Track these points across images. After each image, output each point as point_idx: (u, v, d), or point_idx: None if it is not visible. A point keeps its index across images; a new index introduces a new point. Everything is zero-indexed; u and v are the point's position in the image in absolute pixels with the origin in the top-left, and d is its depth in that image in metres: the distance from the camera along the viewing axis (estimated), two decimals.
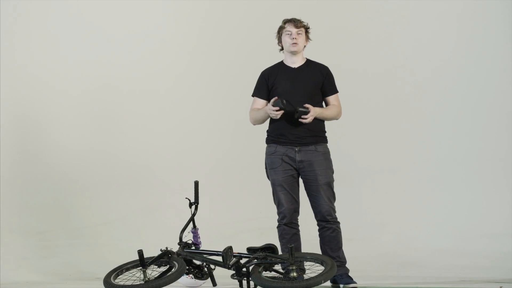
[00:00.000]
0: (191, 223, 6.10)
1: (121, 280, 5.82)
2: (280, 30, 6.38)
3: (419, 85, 8.94)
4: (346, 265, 6.32)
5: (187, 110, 8.77)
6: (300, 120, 6.17)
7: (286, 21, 6.37)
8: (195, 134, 8.75)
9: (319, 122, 6.30)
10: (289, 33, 6.32)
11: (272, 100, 6.21)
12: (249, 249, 5.87)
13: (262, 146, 8.57)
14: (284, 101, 6.14)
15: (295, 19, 6.35)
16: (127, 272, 5.89)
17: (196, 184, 6.14)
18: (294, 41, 6.31)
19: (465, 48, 8.94)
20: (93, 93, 8.55)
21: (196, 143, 8.73)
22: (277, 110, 6.16)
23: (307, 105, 6.18)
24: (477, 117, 8.86)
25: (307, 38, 6.38)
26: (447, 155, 8.88)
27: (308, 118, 6.17)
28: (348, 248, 6.36)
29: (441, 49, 8.94)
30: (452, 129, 8.88)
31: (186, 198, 6.13)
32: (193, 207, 6.12)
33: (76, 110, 8.50)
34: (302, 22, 6.35)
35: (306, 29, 6.36)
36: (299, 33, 6.31)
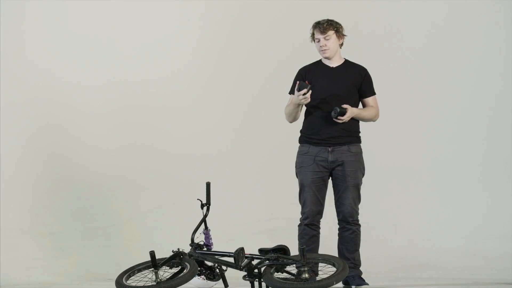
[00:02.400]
0: (203, 224, 6.10)
1: (133, 281, 5.82)
2: (311, 35, 6.29)
3: (424, 87, 8.94)
4: (360, 268, 6.31)
5: (200, 111, 8.78)
6: (336, 120, 6.14)
7: (313, 27, 6.26)
8: (207, 135, 8.75)
9: (354, 122, 6.26)
10: (318, 40, 6.24)
11: (296, 86, 6.14)
12: (260, 250, 5.86)
13: (274, 147, 8.62)
14: (308, 83, 6.08)
15: (320, 24, 6.22)
16: (139, 273, 5.89)
17: (208, 185, 6.13)
18: (323, 48, 6.23)
19: (469, 49, 8.94)
20: (106, 97, 8.56)
21: (208, 144, 8.74)
22: (304, 94, 6.08)
23: (345, 106, 6.14)
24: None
25: (340, 36, 6.27)
26: (459, 156, 8.86)
27: (344, 119, 6.14)
28: (360, 249, 6.35)
29: (442, 52, 8.94)
30: (465, 129, 8.87)
31: (198, 199, 6.13)
32: (205, 208, 6.11)
33: (90, 112, 8.51)
34: (330, 24, 6.22)
35: (336, 29, 6.25)
36: (327, 39, 6.22)
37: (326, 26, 6.21)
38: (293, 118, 6.34)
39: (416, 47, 8.96)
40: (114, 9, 8.63)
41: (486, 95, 8.91)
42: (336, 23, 6.27)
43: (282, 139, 8.37)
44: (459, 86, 8.94)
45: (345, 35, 6.31)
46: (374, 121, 6.39)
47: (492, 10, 8.92)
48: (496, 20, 8.92)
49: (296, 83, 6.25)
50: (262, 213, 8.62)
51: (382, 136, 8.75)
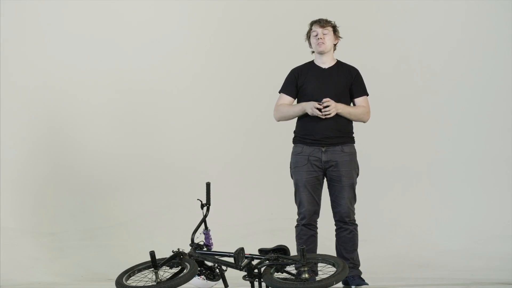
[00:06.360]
0: (203, 224, 6.10)
1: (133, 281, 5.82)
2: (308, 32, 6.35)
3: (424, 88, 8.94)
4: (359, 268, 6.31)
5: (199, 111, 8.78)
6: (324, 113, 6.11)
7: (312, 23, 6.33)
8: (207, 135, 8.75)
9: (347, 122, 6.27)
10: (315, 33, 6.29)
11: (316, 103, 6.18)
12: (260, 250, 5.86)
13: (274, 147, 8.62)
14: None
15: (320, 19, 6.31)
16: (139, 273, 5.89)
17: (208, 185, 6.14)
18: (320, 41, 6.27)
19: (468, 50, 8.95)
20: (107, 97, 8.56)
21: (208, 144, 8.74)
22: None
23: (326, 99, 6.14)
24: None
25: (336, 36, 6.34)
26: (459, 156, 8.86)
27: (331, 112, 6.13)
28: (360, 249, 6.36)
29: (441, 52, 8.94)
30: (465, 129, 8.87)
31: (198, 199, 6.14)
32: (205, 208, 6.11)
33: (90, 112, 8.51)
34: (329, 21, 6.30)
35: (334, 27, 6.32)
36: (325, 33, 6.27)
37: (325, 21, 6.30)
38: (286, 120, 6.39)
39: (415, 48, 8.96)
40: (114, 9, 8.63)
41: (486, 95, 8.91)
42: (334, 23, 6.33)
43: (282, 139, 8.33)
44: (459, 86, 8.94)
45: (340, 37, 6.35)
46: (364, 121, 6.37)
47: (492, 10, 8.92)
48: (496, 20, 8.92)
49: (288, 82, 6.33)
50: (262, 214, 8.62)
51: (382, 136, 8.75)
